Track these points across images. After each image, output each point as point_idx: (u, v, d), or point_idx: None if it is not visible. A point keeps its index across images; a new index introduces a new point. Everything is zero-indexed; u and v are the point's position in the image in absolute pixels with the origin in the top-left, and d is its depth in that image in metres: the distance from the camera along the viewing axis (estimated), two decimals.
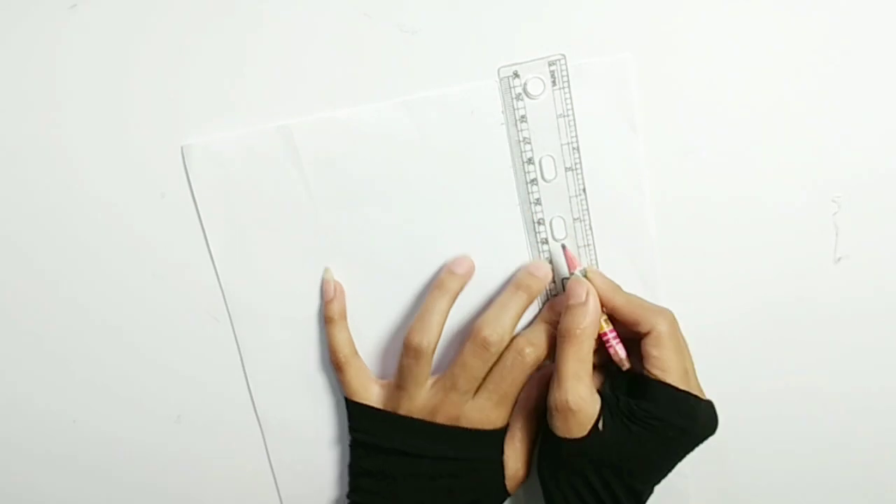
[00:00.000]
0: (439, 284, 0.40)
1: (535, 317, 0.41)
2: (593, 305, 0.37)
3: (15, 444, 0.43)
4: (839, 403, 0.44)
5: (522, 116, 0.38)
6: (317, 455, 0.44)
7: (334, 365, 0.41)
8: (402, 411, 0.40)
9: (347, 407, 0.42)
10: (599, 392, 0.37)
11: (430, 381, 0.40)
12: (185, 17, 0.37)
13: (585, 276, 0.38)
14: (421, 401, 0.40)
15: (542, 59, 0.38)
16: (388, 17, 0.37)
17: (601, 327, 0.38)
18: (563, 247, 0.40)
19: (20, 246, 0.40)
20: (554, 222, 0.40)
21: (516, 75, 0.38)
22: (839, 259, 0.42)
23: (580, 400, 0.36)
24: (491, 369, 0.39)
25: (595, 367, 0.39)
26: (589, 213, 0.40)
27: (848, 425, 0.45)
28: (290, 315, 0.42)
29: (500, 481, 0.40)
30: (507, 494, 0.40)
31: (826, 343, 0.43)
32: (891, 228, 0.41)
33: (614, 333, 0.38)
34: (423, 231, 0.40)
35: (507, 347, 0.39)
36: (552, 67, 0.38)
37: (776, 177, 0.40)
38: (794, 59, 0.38)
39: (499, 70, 0.38)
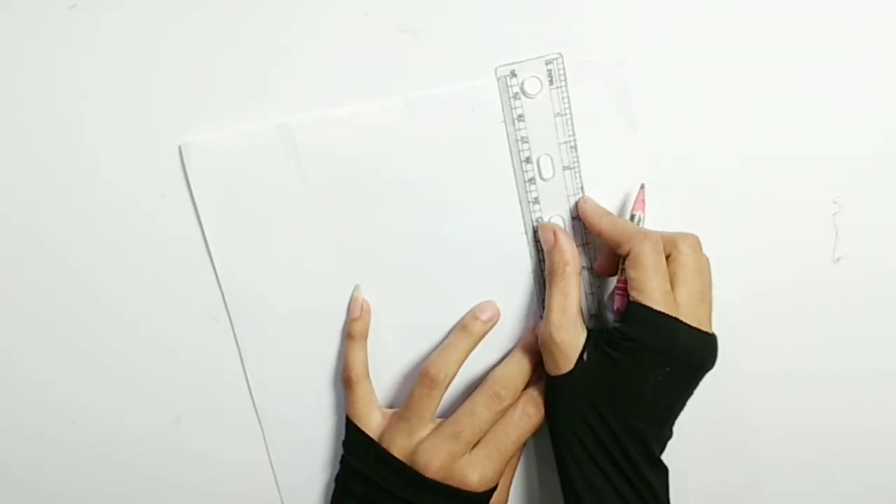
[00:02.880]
0: (463, 326, 0.40)
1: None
2: (565, 242, 0.38)
3: (15, 444, 0.43)
4: (839, 403, 0.44)
5: (520, 115, 0.39)
6: (317, 454, 0.44)
7: (345, 381, 0.41)
8: (397, 449, 0.39)
9: (347, 427, 0.42)
10: (588, 329, 0.37)
11: (433, 425, 0.40)
12: (185, 17, 0.37)
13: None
14: (418, 443, 0.39)
15: (540, 58, 0.38)
16: (388, 17, 0.37)
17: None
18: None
19: (20, 246, 0.40)
20: (552, 221, 0.40)
21: (513, 74, 0.38)
22: (838, 259, 0.42)
23: (562, 332, 0.36)
24: (496, 426, 0.39)
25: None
26: None
27: (848, 425, 0.45)
28: (290, 314, 0.42)
29: None
30: None
31: (825, 342, 0.43)
32: (889, 229, 0.41)
33: (622, 287, 0.37)
34: (422, 229, 0.40)
35: (513, 405, 0.39)
36: (549, 66, 0.38)
37: (776, 177, 0.40)
38: (794, 58, 0.38)
39: (496, 69, 0.38)
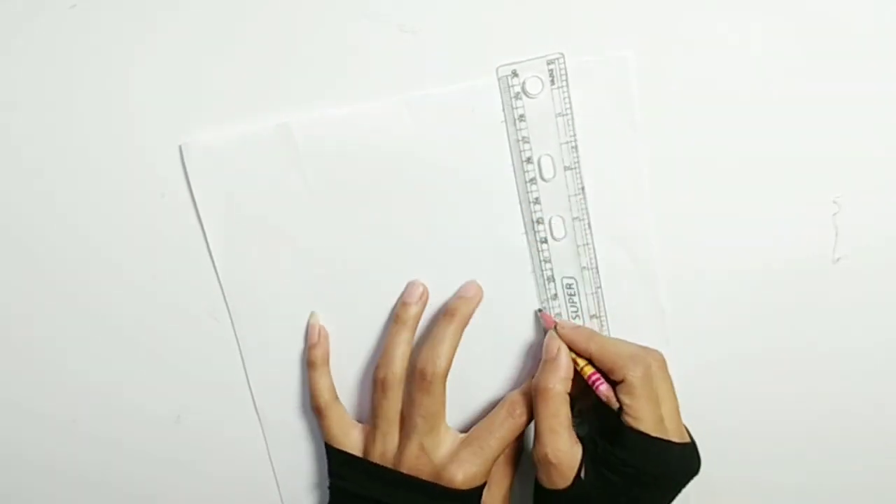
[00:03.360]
0: (396, 318, 0.40)
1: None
2: (564, 362, 0.38)
3: (15, 444, 0.43)
4: (838, 403, 0.44)
5: (521, 115, 0.38)
6: (317, 455, 0.44)
7: (315, 410, 0.42)
8: (378, 456, 0.40)
9: (327, 452, 0.42)
10: (582, 438, 0.38)
11: (396, 424, 0.40)
12: (185, 17, 0.37)
13: (556, 332, 0.40)
14: (388, 444, 0.40)
15: (541, 58, 0.38)
16: (388, 17, 0.37)
17: (585, 371, 0.39)
18: (540, 310, 0.41)
19: (19, 246, 0.40)
20: (553, 221, 0.40)
21: (515, 74, 0.38)
22: (838, 259, 0.42)
23: (559, 453, 0.37)
24: (482, 423, 0.40)
25: (583, 409, 0.40)
26: (588, 213, 0.40)
27: (847, 425, 0.45)
28: (291, 314, 0.42)
29: None
30: None
31: (824, 342, 0.43)
32: (889, 229, 0.41)
33: (597, 376, 0.39)
34: (422, 229, 0.40)
35: (500, 403, 0.40)
36: (550, 66, 0.38)
37: (776, 176, 0.40)
38: (794, 58, 0.38)
39: (497, 69, 0.38)
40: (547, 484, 0.37)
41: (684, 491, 0.40)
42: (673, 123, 0.39)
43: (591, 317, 0.42)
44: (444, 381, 0.39)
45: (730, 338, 0.43)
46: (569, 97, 0.38)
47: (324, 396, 0.41)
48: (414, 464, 0.39)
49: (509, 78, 0.38)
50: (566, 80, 0.38)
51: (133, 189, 0.39)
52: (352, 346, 0.42)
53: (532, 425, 0.39)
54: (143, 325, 0.42)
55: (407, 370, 0.40)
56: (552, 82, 0.38)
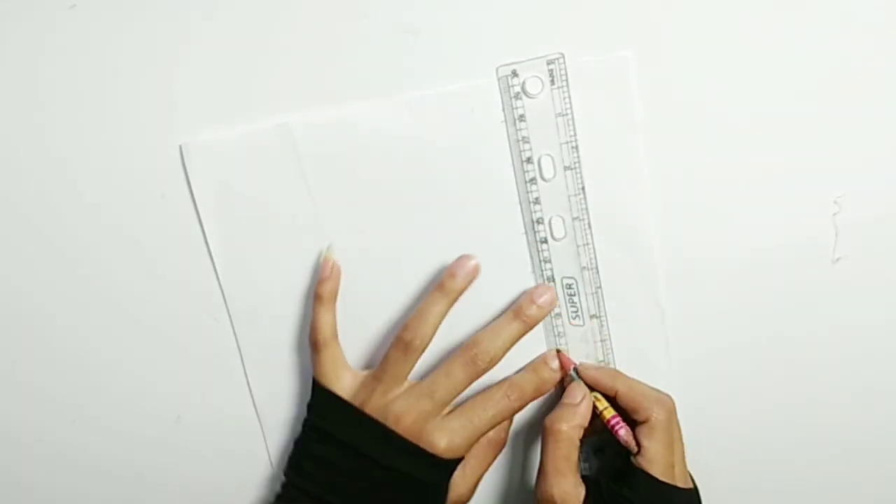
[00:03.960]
0: (440, 286, 0.40)
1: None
2: (584, 411, 0.39)
3: (14, 444, 0.43)
4: (838, 403, 0.44)
5: (521, 115, 0.38)
6: None
7: (312, 344, 0.41)
8: (370, 407, 0.39)
9: (313, 389, 0.41)
10: (585, 479, 0.39)
11: (406, 384, 0.40)
12: (185, 17, 0.37)
13: (577, 374, 0.40)
14: (391, 400, 0.39)
15: (541, 58, 0.38)
16: (388, 17, 0.37)
17: (605, 415, 0.39)
18: (557, 350, 0.42)
19: (19, 247, 0.40)
20: (553, 221, 0.40)
21: (515, 74, 0.38)
22: (837, 259, 0.42)
23: (564, 493, 0.38)
24: (477, 396, 0.40)
25: (589, 449, 0.41)
26: (588, 213, 0.40)
27: (847, 425, 0.45)
28: (290, 314, 0.42)
29: (442, 500, 0.40)
30: None
31: (824, 342, 0.43)
32: (889, 229, 0.41)
33: (618, 419, 0.39)
34: (422, 229, 0.40)
35: (498, 383, 0.39)
36: (550, 66, 0.38)
37: (776, 176, 0.40)
38: (795, 58, 0.38)
39: (497, 69, 0.38)
40: None
41: None
42: (673, 123, 0.39)
43: (591, 317, 0.42)
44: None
45: (730, 337, 0.43)
46: (569, 97, 0.38)
47: (324, 332, 0.40)
48: (411, 424, 0.38)
49: (509, 78, 0.38)
50: (566, 80, 0.38)
51: (133, 189, 0.39)
52: (351, 347, 0.42)
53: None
54: (143, 324, 0.42)
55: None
56: (552, 82, 0.38)
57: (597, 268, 0.41)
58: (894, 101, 0.39)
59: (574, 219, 0.40)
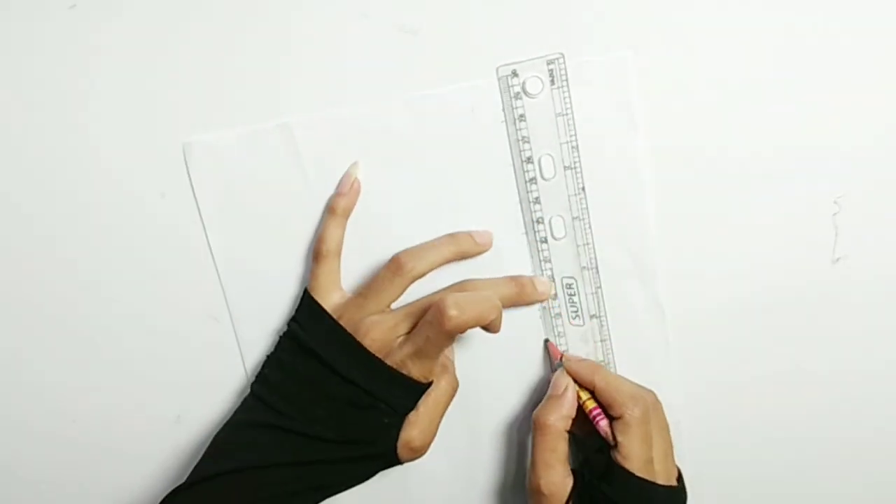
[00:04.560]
0: (454, 238, 0.40)
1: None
2: (569, 401, 0.39)
3: (15, 442, 0.43)
4: (837, 403, 0.44)
5: (521, 115, 0.39)
6: None
7: (315, 254, 0.40)
8: (345, 321, 0.39)
9: (303, 298, 0.40)
10: (573, 471, 0.39)
11: (386, 307, 0.39)
12: (186, 17, 0.37)
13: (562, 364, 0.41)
14: (364, 318, 0.38)
15: (541, 58, 0.38)
16: (388, 17, 0.37)
17: (588, 405, 0.40)
18: (546, 341, 0.42)
19: (19, 247, 0.40)
20: (553, 221, 0.40)
21: (515, 74, 0.38)
22: (837, 259, 0.42)
23: (551, 485, 0.38)
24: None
25: (578, 441, 0.41)
26: (588, 212, 0.40)
27: (846, 425, 0.45)
28: (291, 314, 0.42)
29: (396, 433, 0.38)
30: (394, 456, 0.39)
31: (824, 342, 0.43)
32: (889, 229, 0.41)
33: (598, 410, 0.39)
34: (423, 228, 0.40)
35: (433, 304, 0.37)
36: (551, 66, 0.38)
37: (777, 176, 0.40)
38: (795, 57, 0.38)
39: (497, 69, 0.38)
40: None
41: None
42: (673, 123, 0.39)
43: (591, 316, 0.42)
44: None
45: (729, 337, 0.43)
46: (569, 97, 0.38)
47: (329, 245, 0.39)
48: (379, 339, 0.38)
49: (509, 78, 0.38)
50: (566, 80, 0.38)
51: (135, 188, 0.40)
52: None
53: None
54: (144, 324, 0.42)
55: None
56: (552, 82, 0.38)
57: (597, 267, 0.41)
58: (894, 101, 0.39)
59: (574, 218, 0.40)
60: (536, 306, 0.42)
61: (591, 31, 0.38)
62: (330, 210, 0.40)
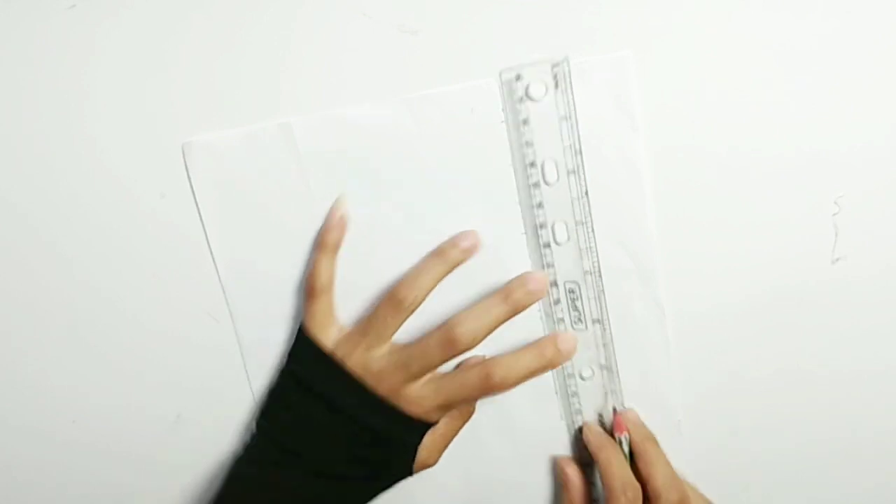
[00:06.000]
0: (439, 252, 0.39)
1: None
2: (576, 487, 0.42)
3: (14, 443, 0.43)
4: (837, 404, 0.44)
5: (525, 119, 0.38)
6: None
7: (308, 290, 0.40)
8: (351, 362, 0.39)
9: (298, 336, 0.41)
10: None
11: (389, 345, 0.39)
12: (186, 17, 0.37)
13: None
14: (374, 359, 0.39)
15: (546, 61, 0.37)
16: (388, 17, 0.37)
17: None
18: (614, 409, 0.42)
19: (18, 247, 0.40)
20: (556, 226, 0.40)
21: (519, 78, 0.37)
22: (837, 259, 0.41)
23: None
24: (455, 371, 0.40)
25: None
26: (591, 216, 0.39)
27: (847, 425, 0.45)
28: (291, 314, 0.41)
29: (409, 465, 0.40)
30: (409, 475, 0.41)
31: (823, 342, 0.43)
32: (889, 230, 0.41)
33: None
34: (422, 230, 0.40)
35: (476, 364, 0.39)
36: (556, 69, 0.37)
37: (777, 177, 0.40)
38: (796, 58, 0.37)
39: (501, 73, 0.37)
40: None
41: None
42: (674, 125, 0.38)
43: (594, 321, 0.41)
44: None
45: (730, 337, 0.43)
46: (573, 101, 0.38)
47: (321, 280, 0.39)
48: (386, 384, 0.38)
49: (513, 82, 0.37)
50: (570, 84, 0.37)
51: (135, 189, 0.39)
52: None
53: None
54: (144, 324, 0.42)
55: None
56: (556, 86, 0.37)
57: (599, 272, 0.41)
58: (894, 101, 0.38)
59: (577, 223, 0.40)
60: (538, 310, 0.41)
61: (591, 32, 0.37)
62: (319, 245, 0.39)
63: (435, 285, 0.39)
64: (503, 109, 0.38)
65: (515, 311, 0.39)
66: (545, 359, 0.39)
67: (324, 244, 0.39)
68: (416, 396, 0.39)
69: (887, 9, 0.37)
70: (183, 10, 0.37)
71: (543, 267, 0.41)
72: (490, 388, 0.38)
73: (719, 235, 0.40)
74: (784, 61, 0.37)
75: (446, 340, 0.38)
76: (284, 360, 0.42)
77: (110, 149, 0.39)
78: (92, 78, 0.38)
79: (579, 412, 0.43)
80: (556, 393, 0.43)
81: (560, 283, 0.41)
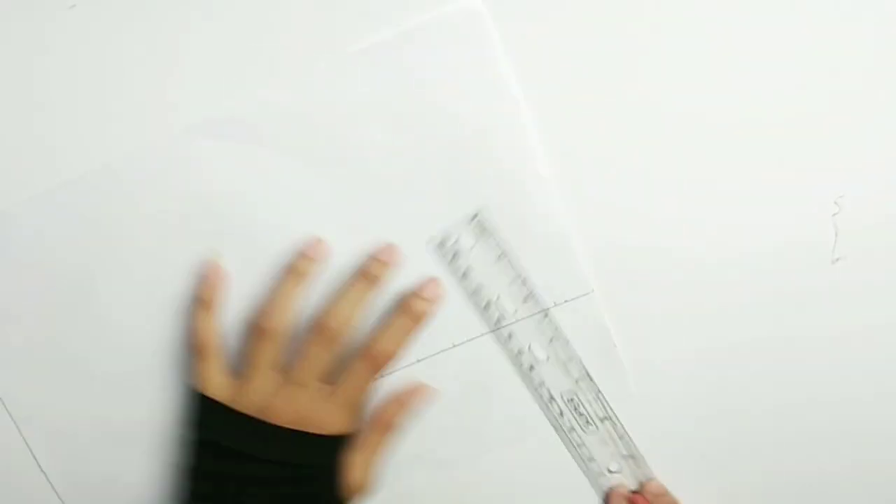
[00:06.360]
0: (291, 269, 0.39)
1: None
2: None
3: (14, 444, 0.44)
4: (837, 404, 0.43)
5: (464, 273, 0.41)
6: None
7: (195, 351, 0.39)
8: (248, 407, 0.38)
9: (197, 402, 0.39)
10: None
11: (275, 376, 0.39)
12: (185, 17, 0.38)
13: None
14: (261, 393, 0.38)
15: (464, 217, 0.40)
16: None
17: None
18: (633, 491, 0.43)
19: (19, 246, 0.41)
20: (532, 347, 0.42)
21: (444, 241, 0.40)
22: (837, 259, 0.41)
23: None
24: (343, 372, 0.39)
25: None
26: (561, 330, 0.42)
27: (846, 426, 0.44)
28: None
29: (336, 490, 0.39)
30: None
31: (823, 342, 0.42)
32: (888, 230, 0.41)
33: None
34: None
35: (358, 351, 0.39)
36: (474, 222, 0.40)
37: (776, 176, 0.40)
38: (796, 58, 0.38)
39: (426, 242, 0.41)
40: None
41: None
42: (674, 123, 0.39)
43: (602, 419, 0.43)
44: (341, 338, 0.39)
45: (729, 338, 0.42)
46: (501, 242, 0.40)
47: (208, 337, 0.39)
48: (287, 414, 0.38)
49: (443, 245, 0.41)
50: (493, 229, 0.40)
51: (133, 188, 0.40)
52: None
53: None
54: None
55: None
56: (482, 233, 0.40)
57: (589, 376, 0.42)
58: (894, 101, 0.39)
59: (549, 340, 0.42)
60: (547, 421, 0.43)
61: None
62: (199, 302, 0.39)
63: (297, 303, 0.39)
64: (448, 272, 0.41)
65: (375, 285, 0.39)
66: (415, 314, 0.39)
67: (202, 301, 0.39)
68: (320, 411, 0.38)
69: (888, 9, 0.37)
70: (183, 11, 0.38)
71: (536, 388, 0.43)
72: (376, 364, 0.38)
73: (718, 235, 0.41)
74: (784, 62, 0.38)
75: (318, 333, 0.38)
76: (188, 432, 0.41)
77: (110, 148, 0.39)
78: (91, 78, 0.38)
79: None
80: (593, 490, 0.44)
81: (557, 396, 0.43)
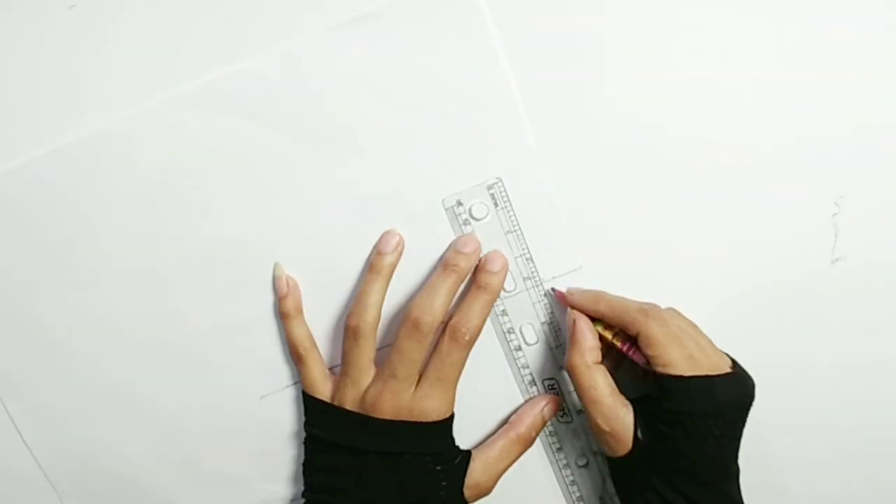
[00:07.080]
0: (371, 267, 0.40)
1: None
2: (584, 335, 0.38)
3: (17, 444, 0.44)
4: (836, 404, 0.44)
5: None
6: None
7: (295, 358, 0.42)
8: (348, 403, 0.40)
9: (304, 401, 0.42)
10: (632, 401, 0.38)
11: (373, 370, 0.40)
12: (184, 17, 0.38)
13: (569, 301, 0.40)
14: (364, 390, 0.40)
15: (481, 184, 0.40)
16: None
17: (616, 342, 0.39)
18: (552, 289, 0.41)
19: (17, 246, 0.41)
20: (523, 329, 0.42)
21: (460, 203, 0.40)
22: (837, 259, 0.42)
23: (609, 420, 0.37)
24: (431, 356, 0.40)
25: (630, 373, 0.40)
26: (555, 315, 0.42)
27: (846, 425, 0.44)
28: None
29: (458, 483, 0.40)
30: (461, 497, 0.40)
31: (823, 342, 0.43)
32: (888, 230, 0.41)
33: (627, 344, 0.38)
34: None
35: (442, 332, 0.39)
36: (491, 191, 0.40)
37: (777, 176, 0.40)
38: (796, 58, 0.39)
39: (443, 200, 0.40)
40: (609, 453, 0.38)
41: None
42: (675, 122, 0.40)
43: (578, 412, 0.43)
44: (434, 332, 0.39)
45: (729, 338, 0.41)
46: (514, 215, 0.40)
47: (303, 344, 0.41)
48: (389, 407, 0.39)
49: (455, 207, 0.40)
50: (509, 201, 0.40)
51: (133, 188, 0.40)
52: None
53: None
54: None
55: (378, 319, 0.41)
56: (496, 205, 0.40)
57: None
58: (894, 101, 0.39)
59: (542, 323, 0.42)
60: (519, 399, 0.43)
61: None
62: (284, 315, 0.42)
63: (381, 300, 0.40)
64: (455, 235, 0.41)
65: (461, 277, 0.40)
66: (492, 288, 0.40)
67: (286, 312, 0.41)
68: (423, 398, 0.39)
69: (888, 8, 0.38)
70: (182, 11, 0.38)
71: (519, 370, 0.42)
72: (464, 343, 0.39)
73: (718, 235, 0.41)
74: (784, 62, 0.39)
75: (411, 329, 0.39)
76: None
77: (110, 148, 0.39)
78: (91, 78, 0.38)
79: (581, 499, 0.44)
80: (557, 483, 0.44)
81: (538, 381, 0.43)
